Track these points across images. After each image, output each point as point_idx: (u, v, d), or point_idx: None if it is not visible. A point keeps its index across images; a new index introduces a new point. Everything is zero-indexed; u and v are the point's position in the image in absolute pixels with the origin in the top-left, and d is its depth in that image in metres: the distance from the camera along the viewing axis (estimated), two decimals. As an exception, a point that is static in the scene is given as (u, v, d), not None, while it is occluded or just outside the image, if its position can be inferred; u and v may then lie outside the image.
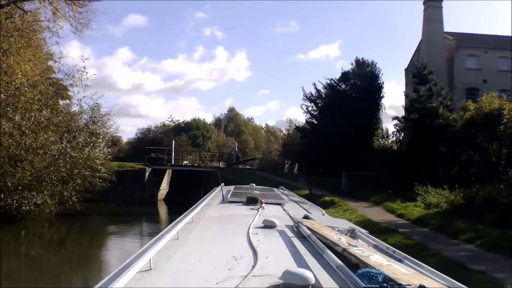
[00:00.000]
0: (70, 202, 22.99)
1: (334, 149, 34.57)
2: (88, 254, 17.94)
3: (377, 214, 20.35)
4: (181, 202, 21.49)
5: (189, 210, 5.31)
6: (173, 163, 43.64)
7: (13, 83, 20.57)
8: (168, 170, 40.47)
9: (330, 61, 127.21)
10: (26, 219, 21.55)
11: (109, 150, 26.96)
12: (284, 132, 62.00)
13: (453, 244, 12.95)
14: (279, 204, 6.76)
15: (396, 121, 33.67)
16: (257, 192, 8.30)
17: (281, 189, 10.40)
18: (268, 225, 4.43)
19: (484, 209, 16.34)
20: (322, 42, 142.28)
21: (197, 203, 6.07)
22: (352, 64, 40.87)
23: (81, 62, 23.86)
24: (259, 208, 5.93)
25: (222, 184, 8.92)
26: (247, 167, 51.12)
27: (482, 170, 23.59)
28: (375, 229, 15.51)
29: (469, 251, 11.85)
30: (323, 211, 7.16)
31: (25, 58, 21.74)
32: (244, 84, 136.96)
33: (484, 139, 24.95)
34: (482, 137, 25.04)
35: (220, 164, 49.45)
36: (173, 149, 46.45)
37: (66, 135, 23.51)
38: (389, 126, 43.26)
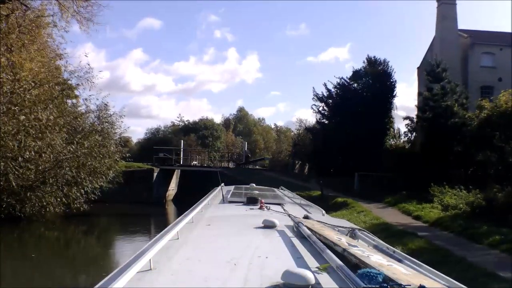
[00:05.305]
0: (77, 204, 22.52)
1: (345, 149, 33.81)
2: (90, 256, 17.47)
3: (393, 216, 19.67)
4: (190, 203, 20.95)
5: (189, 210, 5.26)
6: (181, 163, 43.09)
7: (17, 81, 20.06)
8: (176, 170, 39.99)
9: (340, 63, 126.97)
10: (30, 220, 21.17)
11: (117, 154, 26.14)
12: (295, 132, 61.18)
13: (478, 249, 12.21)
14: (279, 204, 6.74)
15: (407, 121, 32.90)
16: (257, 192, 8.30)
17: (281, 189, 10.54)
18: (268, 225, 4.41)
19: (506, 211, 15.61)
20: (332, 45, 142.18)
21: (197, 203, 6.02)
22: (364, 62, 39.94)
23: (91, 63, 23.25)
24: (259, 208, 5.94)
25: (222, 184, 8.88)
26: (257, 167, 50.64)
27: (499, 170, 22.81)
28: (392, 232, 14.92)
29: (496, 257, 11.11)
30: (323, 211, 7.08)
31: (29, 55, 21.25)
32: (254, 86, 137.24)
33: (501, 138, 24.15)
34: (498, 137, 24.25)
35: (230, 164, 48.90)
36: (182, 149, 45.98)
37: (73, 136, 23.01)
38: (400, 126, 42.45)
